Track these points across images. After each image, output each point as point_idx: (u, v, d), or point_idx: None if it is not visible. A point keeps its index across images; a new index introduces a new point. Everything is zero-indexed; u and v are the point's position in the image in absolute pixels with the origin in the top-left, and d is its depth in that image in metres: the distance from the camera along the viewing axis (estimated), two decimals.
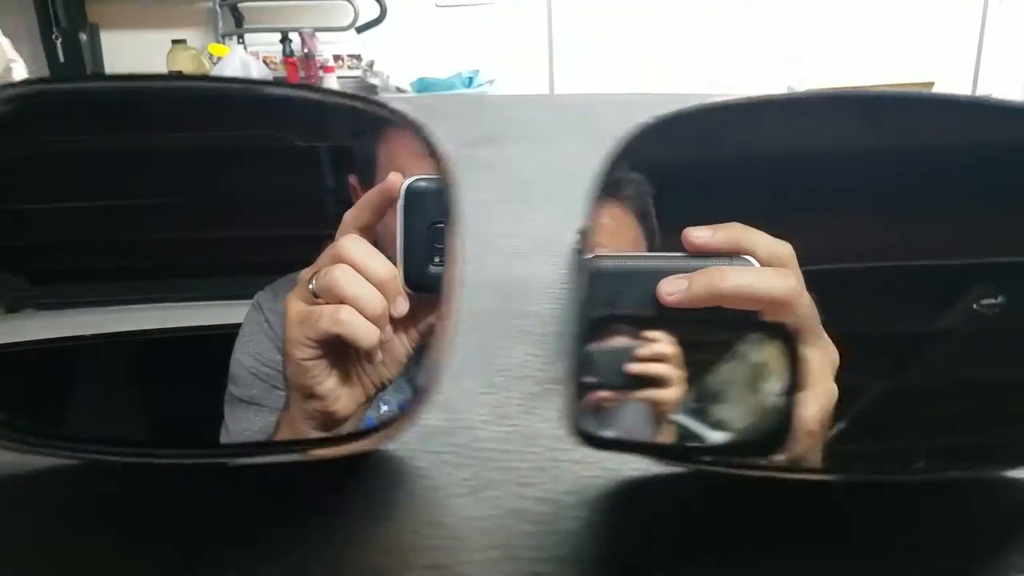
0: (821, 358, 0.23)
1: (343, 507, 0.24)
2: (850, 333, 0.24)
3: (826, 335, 0.23)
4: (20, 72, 0.69)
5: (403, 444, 0.26)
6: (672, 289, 0.22)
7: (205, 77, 0.26)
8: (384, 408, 0.27)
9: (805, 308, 0.22)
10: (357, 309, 0.23)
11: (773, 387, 0.25)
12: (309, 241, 0.25)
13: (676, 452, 0.24)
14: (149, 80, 0.25)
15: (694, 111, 0.24)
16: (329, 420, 0.25)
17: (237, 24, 2.62)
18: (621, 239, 0.24)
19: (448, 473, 0.25)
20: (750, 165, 0.26)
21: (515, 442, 0.27)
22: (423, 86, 2.51)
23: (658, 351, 0.23)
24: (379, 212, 0.24)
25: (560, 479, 0.25)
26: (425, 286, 0.24)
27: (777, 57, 2.55)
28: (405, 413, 0.24)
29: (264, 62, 2.55)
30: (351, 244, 0.23)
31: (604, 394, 0.23)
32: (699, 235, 0.22)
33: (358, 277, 0.23)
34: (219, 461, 0.25)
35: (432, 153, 0.23)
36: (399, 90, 2.55)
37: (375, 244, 0.24)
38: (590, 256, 0.23)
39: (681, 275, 0.22)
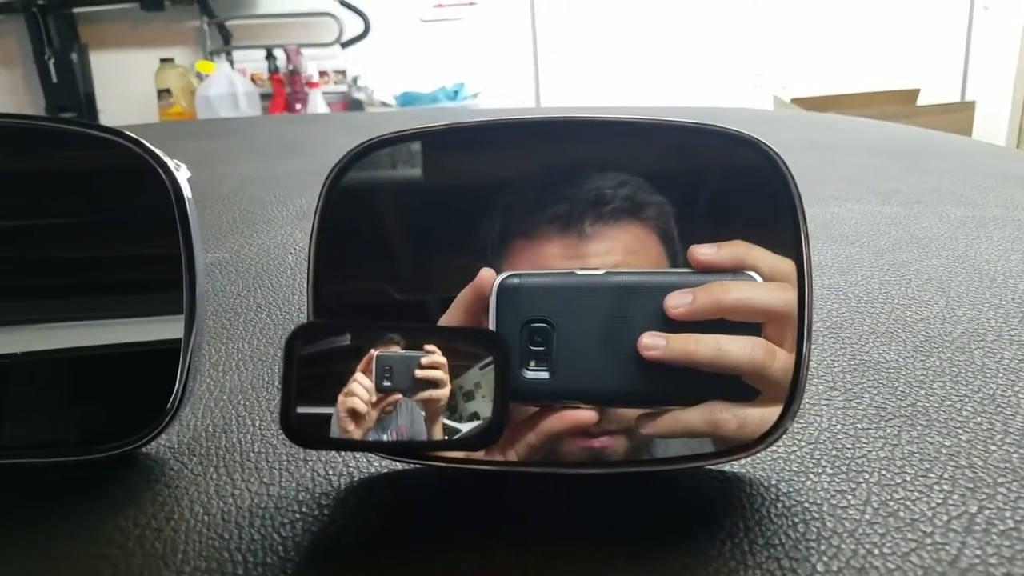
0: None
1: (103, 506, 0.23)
2: None
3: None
4: None
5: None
6: (678, 303, 0.22)
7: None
8: None
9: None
10: None
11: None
12: None
13: (399, 449, 0.23)
14: None
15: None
16: None
17: (225, 42, 2.64)
18: (644, 259, 0.23)
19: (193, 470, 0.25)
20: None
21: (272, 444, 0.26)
22: (407, 100, 2.53)
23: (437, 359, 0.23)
24: (474, 312, 0.23)
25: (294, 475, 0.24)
26: (520, 395, 0.22)
27: (762, 65, 2.54)
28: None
29: (251, 79, 2.57)
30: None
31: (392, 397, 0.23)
32: (704, 252, 0.22)
33: None
34: None
35: None
36: (384, 104, 2.56)
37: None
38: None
39: (686, 289, 0.22)
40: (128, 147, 0.25)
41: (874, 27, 2.48)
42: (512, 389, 0.22)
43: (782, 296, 0.22)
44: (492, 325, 0.22)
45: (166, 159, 0.24)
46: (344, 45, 2.58)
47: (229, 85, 2.46)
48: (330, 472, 0.25)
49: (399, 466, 0.25)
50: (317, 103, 2.50)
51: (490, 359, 0.23)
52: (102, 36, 2.62)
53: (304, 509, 0.23)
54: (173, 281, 0.25)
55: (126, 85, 2.59)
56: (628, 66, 2.56)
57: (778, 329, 0.22)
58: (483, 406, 0.25)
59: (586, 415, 0.22)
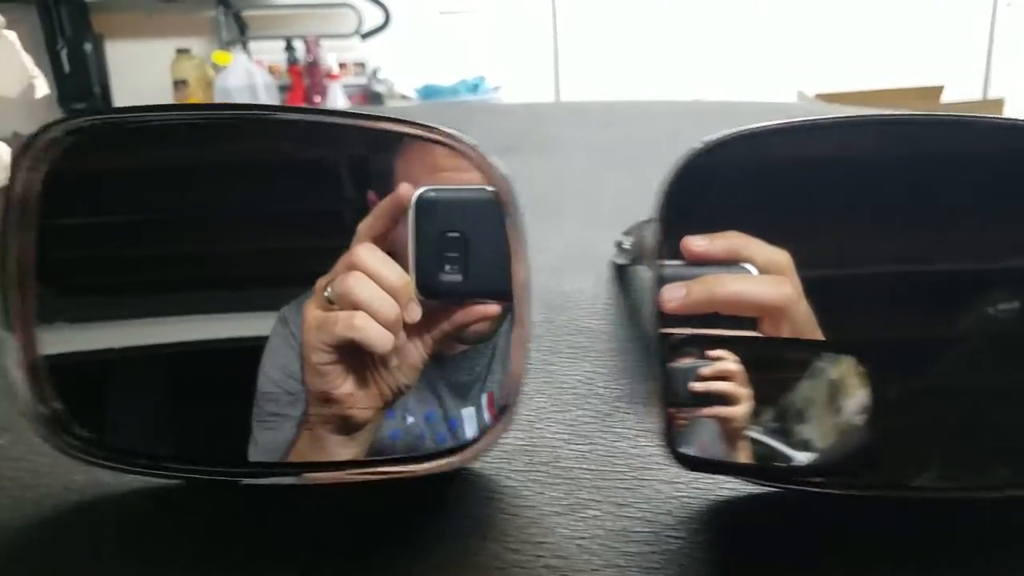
0: None
1: (435, 527, 0.24)
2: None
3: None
4: (42, 87, 0.69)
5: (486, 464, 0.26)
6: (671, 296, 0.23)
7: (249, 106, 0.27)
8: (410, 419, 0.27)
9: (802, 315, 0.23)
10: (371, 314, 0.24)
11: (852, 404, 0.25)
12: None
13: (775, 474, 0.24)
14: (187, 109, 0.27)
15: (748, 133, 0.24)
16: (346, 424, 0.25)
17: (240, 32, 2.62)
18: None
19: (540, 492, 0.25)
20: (800, 187, 0.26)
21: (596, 462, 0.27)
22: (428, 93, 2.52)
23: (730, 368, 0.24)
24: (392, 221, 0.24)
25: (652, 499, 0.25)
26: (437, 293, 0.24)
27: (786, 62, 2.55)
28: (491, 431, 0.24)
29: (269, 70, 2.55)
30: (364, 252, 0.24)
31: (687, 412, 0.24)
32: (698, 244, 0.23)
33: (371, 283, 0.24)
34: (284, 479, 0.25)
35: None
36: (404, 97, 2.55)
37: (390, 253, 0.25)
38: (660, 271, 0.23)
39: (680, 282, 0.23)
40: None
41: (897, 24, 2.49)
42: (430, 290, 0.24)
43: (778, 289, 0.23)
44: (411, 234, 0.24)
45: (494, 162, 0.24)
46: (364, 36, 2.57)
47: (248, 76, 2.44)
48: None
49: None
50: (337, 96, 2.48)
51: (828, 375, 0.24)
52: (116, 26, 2.58)
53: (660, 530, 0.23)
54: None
55: (141, 76, 2.57)
56: (649, 59, 2.56)
57: (774, 324, 0.23)
58: (814, 432, 0.26)
59: (492, 308, 0.24)
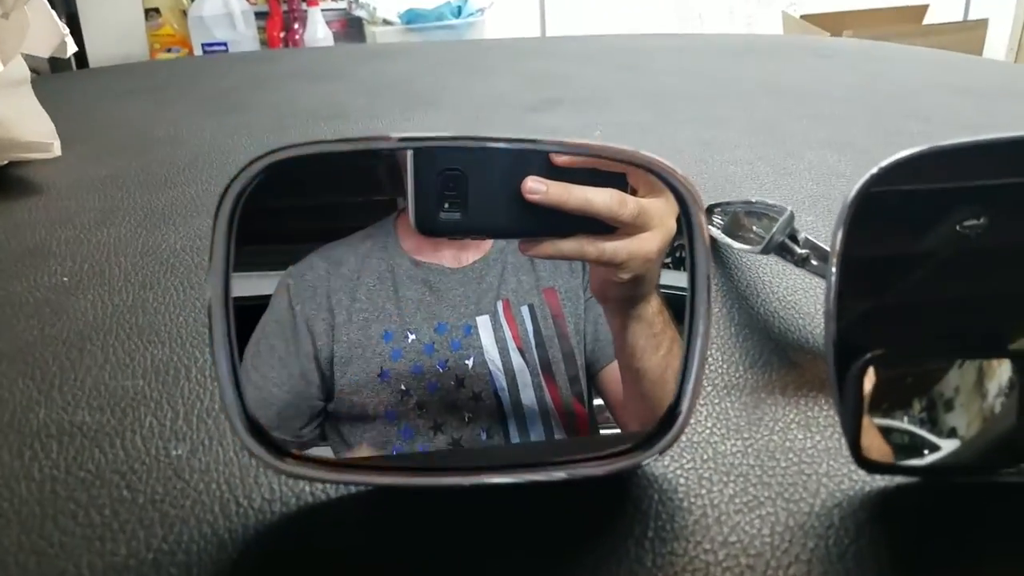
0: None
1: (614, 527, 0.26)
2: None
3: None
4: (71, 46, 0.67)
5: (653, 463, 0.28)
6: (534, 188, 0.25)
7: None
8: (411, 337, 0.29)
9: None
10: None
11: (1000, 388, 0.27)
12: None
13: (952, 470, 0.26)
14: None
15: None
16: None
17: None
18: None
19: (715, 490, 0.27)
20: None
21: (756, 456, 0.29)
22: (412, 17, 2.45)
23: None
24: None
25: (819, 493, 0.27)
26: (436, 231, 0.27)
27: None
28: (675, 430, 0.26)
29: None
30: None
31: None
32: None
33: None
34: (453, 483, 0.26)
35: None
36: (386, 22, 2.49)
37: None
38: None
39: (541, 180, 0.25)
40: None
41: None
42: (430, 227, 0.26)
43: (621, 206, 0.26)
44: (409, 173, 0.26)
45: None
46: None
47: (224, 4, 2.35)
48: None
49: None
50: (316, 23, 2.41)
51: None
52: None
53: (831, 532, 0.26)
54: None
55: (111, 4, 2.46)
56: None
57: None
58: (960, 418, 0.28)
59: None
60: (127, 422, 0.31)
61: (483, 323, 0.29)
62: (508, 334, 0.30)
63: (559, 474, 0.26)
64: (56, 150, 0.62)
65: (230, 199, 0.25)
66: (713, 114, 0.73)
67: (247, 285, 0.29)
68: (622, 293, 0.28)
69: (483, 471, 0.26)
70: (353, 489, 0.27)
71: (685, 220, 0.26)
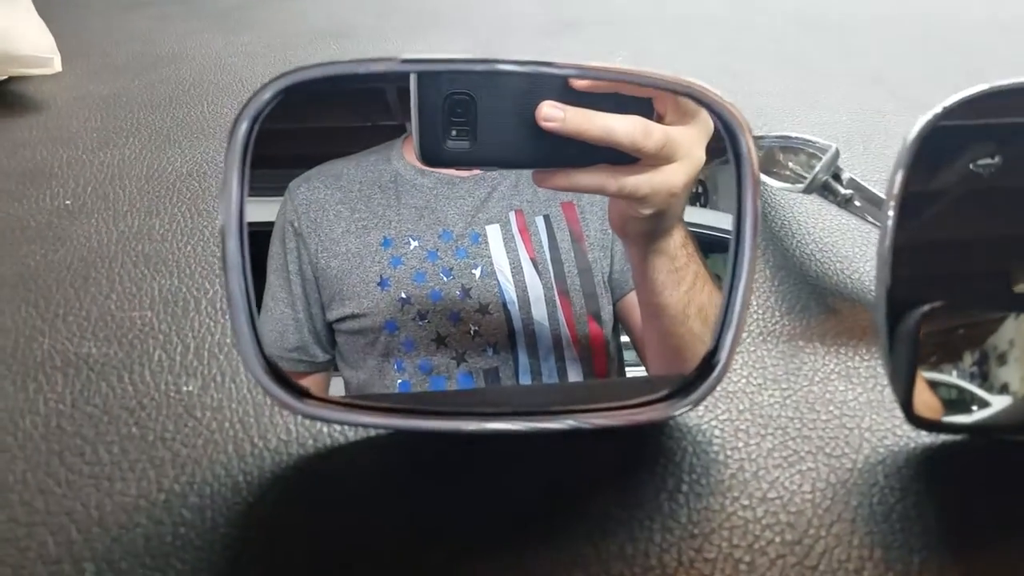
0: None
1: (651, 480, 0.25)
2: None
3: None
4: (56, 65, 0.61)
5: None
6: (551, 115, 0.23)
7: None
8: (413, 244, 0.28)
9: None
10: None
11: None
12: None
13: (1004, 429, 0.25)
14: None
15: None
16: None
17: None
18: None
19: (752, 443, 0.26)
20: None
21: (795, 408, 0.27)
22: None
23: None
24: None
25: (862, 448, 0.26)
26: (442, 161, 0.24)
27: None
28: (712, 380, 0.25)
29: None
30: None
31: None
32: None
33: None
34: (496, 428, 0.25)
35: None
36: None
37: None
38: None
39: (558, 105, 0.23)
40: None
41: None
42: (436, 157, 0.24)
43: (645, 136, 0.23)
44: (413, 98, 0.24)
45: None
46: None
47: None
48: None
49: None
50: None
51: None
52: None
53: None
54: None
55: None
56: None
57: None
58: (1014, 374, 0.26)
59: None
60: (135, 355, 0.30)
61: (493, 232, 0.28)
62: (521, 244, 0.28)
63: (580, 423, 0.25)
64: (56, 65, 0.59)
65: (244, 122, 0.23)
66: (741, 44, 0.70)
67: (259, 211, 0.27)
68: (643, 228, 0.26)
69: (505, 416, 0.25)
70: (373, 432, 0.26)
71: (733, 151, 0.24)
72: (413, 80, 0.24)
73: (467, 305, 0.27)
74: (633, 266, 0.27)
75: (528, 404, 0.28)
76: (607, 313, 0.28)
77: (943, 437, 0.26)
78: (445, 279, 0.27)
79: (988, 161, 0.27)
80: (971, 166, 0.26)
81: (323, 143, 0.29)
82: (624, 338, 0.29)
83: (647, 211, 0.25)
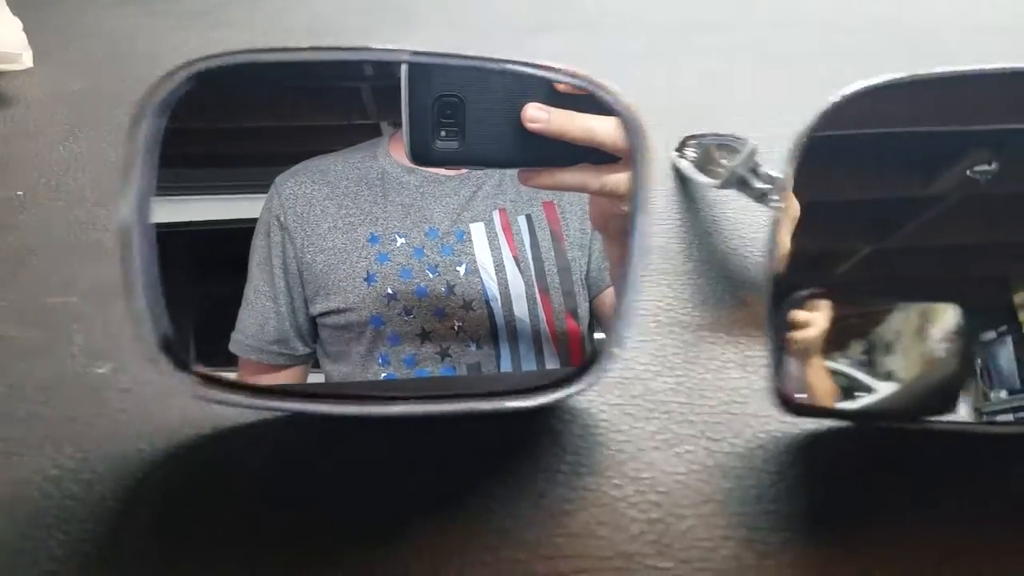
0: None
1: (533, 462, 0.25)
2: None
3: None
4: (28, 61, 0.63)
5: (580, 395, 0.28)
6: (535, 116, 0.24)
7: None
8: (400, 240, 0.28)
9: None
10: None
11: (941, 335, 0.26)
12: None
13: (876, 416, 0.25)
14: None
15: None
16: None
17: None
18: None
19: (637, 426, 0.27)
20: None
21: (686, 394, 0.28)
22: None
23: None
24: None
25: (743, 433, 0.26)
26: (432, 160, 0.25)
27: None
28: (603, 362, 0.25)
29: None
30: None
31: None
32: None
33: None
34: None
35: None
36: None
37: None
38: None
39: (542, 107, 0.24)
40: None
41: None
42: (425, 156, 0.25)
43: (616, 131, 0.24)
44: (404, 99, 0.24)
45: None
46: None
47: None
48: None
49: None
50: None
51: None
52: None
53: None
54: None
55: None
56: None
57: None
58: (898, 363, 0.27)
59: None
60: (55, 338, 0.31)
61: (477, 230, 0.28)
62: (504, 243, 0.29)
63: (472, 407, 0.25)
64: (26, 61, 0.60)
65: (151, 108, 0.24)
66: (726, 44, 0.70)
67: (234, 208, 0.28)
68: (624, 225, 0.26)
69: (396, 401, 0.25)
70: (270, 415, 0.27)
71: (633, 151, 0.24)
72: (404, 81, 0.24)
73: (451, 301, 0.28)
74: (612, 263, 0.28)
75: (427, 389, 0.28)
76: (584, 310, 0.29)
77: (827, 425, 0.26)
78: (431, 276, 0.28)
79: (882, 154, 0.27)
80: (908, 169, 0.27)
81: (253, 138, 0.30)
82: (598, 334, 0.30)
83: (627, 208, 0.25)
